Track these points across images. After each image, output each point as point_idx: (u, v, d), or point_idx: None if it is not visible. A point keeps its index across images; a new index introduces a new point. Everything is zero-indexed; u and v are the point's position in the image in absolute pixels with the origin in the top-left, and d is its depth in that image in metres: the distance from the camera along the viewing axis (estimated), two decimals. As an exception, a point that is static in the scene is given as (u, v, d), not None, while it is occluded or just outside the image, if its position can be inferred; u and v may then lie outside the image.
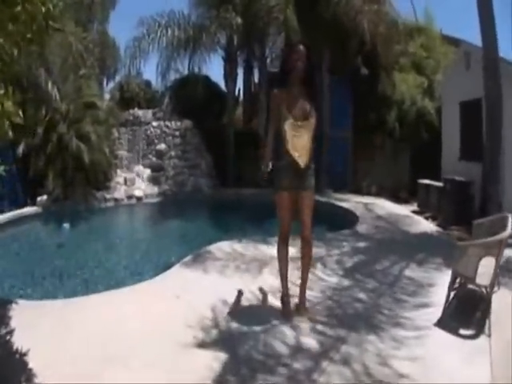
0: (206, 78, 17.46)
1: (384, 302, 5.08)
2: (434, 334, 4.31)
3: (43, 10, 2.94)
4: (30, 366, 3.82)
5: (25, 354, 4.03)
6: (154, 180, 15.90)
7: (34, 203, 12.90)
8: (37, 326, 4.67)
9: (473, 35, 22.09)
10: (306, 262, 4.97)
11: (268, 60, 15.86)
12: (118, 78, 24.63)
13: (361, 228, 8.86)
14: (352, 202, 11.51)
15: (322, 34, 13.28)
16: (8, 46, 2.92)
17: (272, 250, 6.78)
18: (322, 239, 7.90)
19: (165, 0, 19.08)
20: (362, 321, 4.63)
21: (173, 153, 16.49)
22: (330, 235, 8.41)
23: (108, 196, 14.34)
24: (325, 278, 5.87)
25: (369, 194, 12.88)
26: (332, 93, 14.07)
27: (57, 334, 4.49)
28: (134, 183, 15.38)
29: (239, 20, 13.81)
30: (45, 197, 12.93)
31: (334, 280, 5.81)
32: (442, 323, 4.47)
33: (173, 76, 16.49)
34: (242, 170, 15.68)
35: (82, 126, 13.35)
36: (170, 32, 14.80)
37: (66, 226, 11.94)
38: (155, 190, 15.37)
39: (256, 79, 17.03)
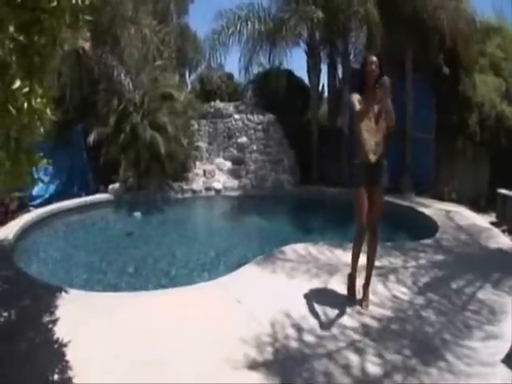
0: (289, 73, 17.02)
1: (453, 329, 4.60)
2: (498, 372, 3.80)
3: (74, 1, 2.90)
4: (67, 358, 3.87)
5: (64, 345, 4.09)
6: (234, 173, 15.80)
7: (106, 190, 13.27)
8: (83, 319, 4.74)
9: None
10: (372, 254, 5.37)
11: (351, 56, 15.33)
12: (199, 71, 24.74)
13: (440, 238, 8.22)
14: (433, 208, 10.77)
15: (403, 29, 12.63)
16: (44, 41, 2.90)
17: (347, 257, 6.55)
18: (400, 248, 7.50)
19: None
20: (428, 349, 4.21)
21: (254, 147, 16.25)
22: (409, 244, 7.92)
23: (186, 187, 14.49)
24: (397, 295, 5.45)
25: (449, 200, 12.16)
26: (415, 92, 13.43)
27: (101, 329, 4.52)
28: (214, 175, 15.38)
29: (320, 14, 13.24)
30: (117, 185, 13.25)
31: (406, 298, 5.38)
32: (509, 360, 3.94)
33: (256, 69, 16.18)
34: (325, 167, 15.17)
35: (157, 116, 13.43)
36: (249, 25, 14.55)
37: (137, 214, 12.16)
38: (235, 183, 15.22)
39: (340, 75, 16.52)
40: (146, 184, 13.56)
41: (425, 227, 9.40)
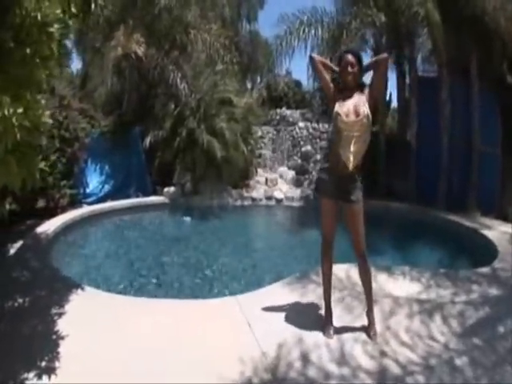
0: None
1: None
2: None
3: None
4: (59, 350, 4.15)
5: (61, 338, 4.38)
6: (297, 183, 15.50)
7: (161, 193, 13.34)
8: (89, 317, 4.99)
9: None
10: (366, 279, 4.81)
11: (418, 62, 14.53)
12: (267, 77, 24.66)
13: (498, 267, 7.26)
14: (496, 230, 9.75)
15: (466, 32, 11.65)
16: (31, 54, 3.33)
17: (392, 284, 6.12)
18: (453, 277, 6.65)
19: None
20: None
21: (318, 156, 15.84)
22: (462, 273, 7.01)
23: (245, 194, 14.25)
24: (436, 337, 4.67)
25: (514, 221, 11.08)
26: (480, 102, 12.36)
27: (102, 330, 4.67)
28: (276, 184, 15.11)
29: (382, 17, 12.54)
30: (172, 188, 13.25)
31: (443, 340, 4.59)
32: None
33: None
34: (391, 181, 14.43)
35: (215, 121, 13.21)
36: (313, 30, 13.90)
37: (187, 219, 12.15)
38: (297, 193, 14.80)
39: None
40: (202, 189, 13.44)
41: (484, 252, 8.58)
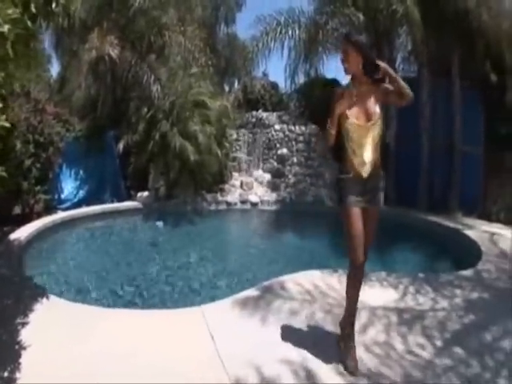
0: (334, 82, 15.96)
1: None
2: None
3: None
4: (21, 360, 4.03)
5: (24, 348, 4.26)
6: (273, 186, 15.24)
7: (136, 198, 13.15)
8: (53, 326, 4.82)
9: None
10: (356, 289, 4.13)
11: (397, 63, 14.32)
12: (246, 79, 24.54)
13: (482, 269, 7.04)
14: (479, 230, 9.61)
15: (447, 31, 11.53)
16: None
17: (365, 293, 5.51)
18: (433, 282, 6.34)
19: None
20: None
21: (295, 159, 15.62)
22: (444, 277, 6.70)
23: (220, 199, 14.04)
24: (414, 350, 4.29)
25: (498, 220, 10.94)
26: (462, 102, 12.28)
27: (65, 340, 4.50)
28: (252, 188, 14.89)
29: (361, 16, 12.20)
30: (146, 193, 13.02)
31: (425, 354, 4.21)
32: None
33: (302, 78, 15.28)
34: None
35: (188, 124, 12.93)
36: (290, 31, 13.67)
37: (159, 224, 11.90)
38: (273, 196, 14.61)
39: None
40: (177, 194, 13.21)
41: (467, 253, 8.41)
